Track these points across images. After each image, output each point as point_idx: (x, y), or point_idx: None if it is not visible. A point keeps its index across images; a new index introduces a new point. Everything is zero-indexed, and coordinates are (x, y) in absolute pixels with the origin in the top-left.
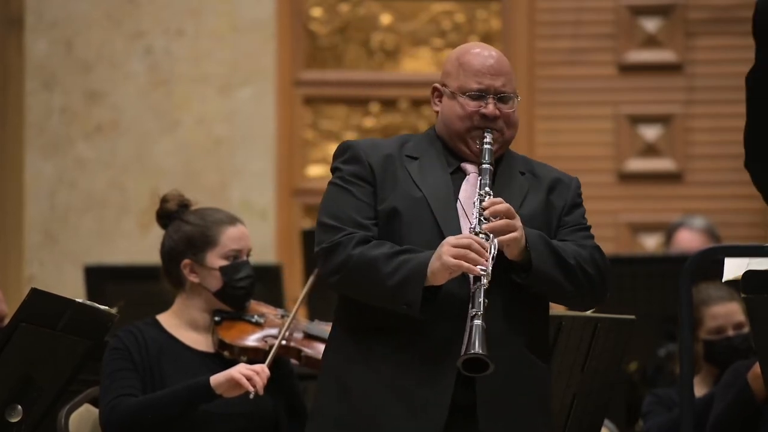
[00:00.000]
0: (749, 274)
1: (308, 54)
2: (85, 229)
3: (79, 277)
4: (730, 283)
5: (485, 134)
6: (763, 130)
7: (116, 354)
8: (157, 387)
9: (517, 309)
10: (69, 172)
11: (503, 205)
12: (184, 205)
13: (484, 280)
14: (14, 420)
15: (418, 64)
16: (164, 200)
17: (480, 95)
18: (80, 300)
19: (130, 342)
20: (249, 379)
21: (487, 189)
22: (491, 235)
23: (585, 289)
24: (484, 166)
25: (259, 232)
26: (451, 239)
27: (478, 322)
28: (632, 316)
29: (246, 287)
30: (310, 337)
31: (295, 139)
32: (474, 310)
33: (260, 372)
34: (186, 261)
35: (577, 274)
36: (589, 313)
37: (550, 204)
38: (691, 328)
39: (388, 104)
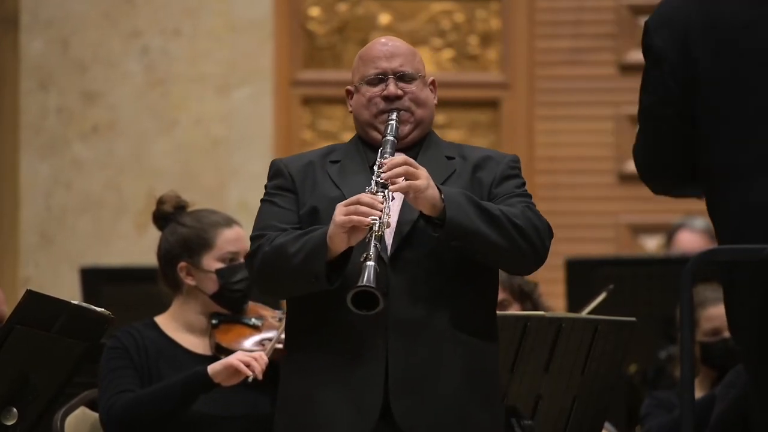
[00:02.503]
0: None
1: (306, 54)
2: (81, 231)
3: (75, 279)
4: None
5: (391, 113)
6: (656, 150)
7: (115, 353)
8: None
9: (441, 286)
10: (65, 173)
11: (399, 157)
12: (180, 206)
13: (376, 227)
14: (10, 423)
15: None
16: (160, 202)
17: (380, 79)
18: (76, 302)
19: (128, 342)
20: (247, 365)
21: (386, 156)
22: (386, 190)
23: (516, 240)
24: (386, 138)
25: None
26: (343, 201)
27: (369, 263)
28: (633, 318)
29: (242, 290)
30: None
31: (293, 139)
32: (365, 254)
33: (258, 358)
34: (182, 264)
35: (506, 225)
36: (588, 314)
37: (478, 182)
38: (691, 330)
39: None
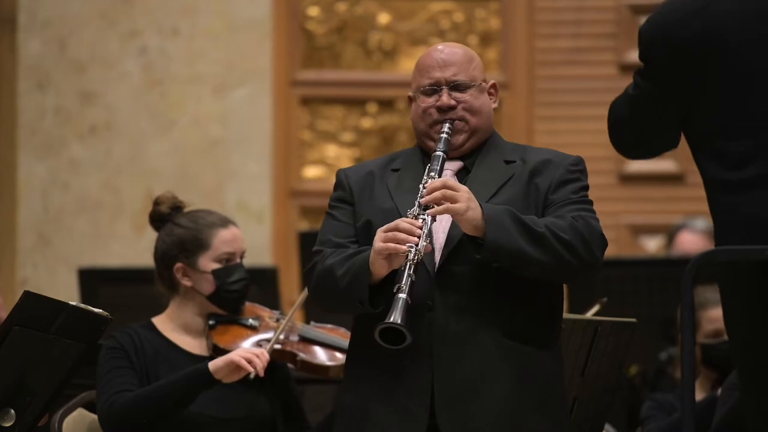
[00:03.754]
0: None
1: (305, 54)
2: (78, 232)
3: (72, 280)
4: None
5: (443, 125)
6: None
7: (113, 353)
8: None
9: (489, 297)
10: (62, 174)
11: (439, 181)
12: (176, 207)
13: (411, 256)
14: (7, 425)
15: None
16: (157, 203)
17: (434, 89)
18: (74, 303)
19: (126, 342)
20: (249, 361)
21: (432, 174)
22: (425, 214)
23: (562, 256)
24: (435, 153)
25: (255, 234)
26: (382, 227)
27: (401, 295)
28: (633, 320)
29: (239, 290)
30: (305, 340)
31: (292, 140)
32: (397, 284)
33: (260, 355)
34: (178, 265)
35: (550, 243)
36: (589, 316)
37: (534, 187)
38: (692, 332)
39: (386, 104)
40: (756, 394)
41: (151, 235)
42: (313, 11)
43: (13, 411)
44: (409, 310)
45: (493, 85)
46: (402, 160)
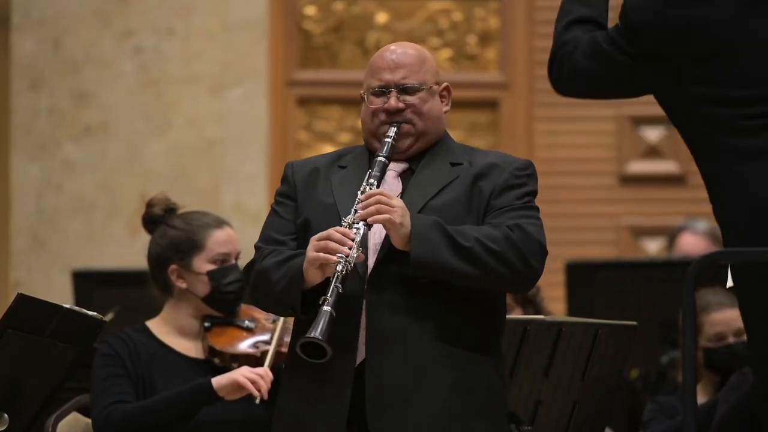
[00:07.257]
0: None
1: (302, 53)
2: (73, 233)
3: (67, 282)
4: (731, 289)
5: (390, 128)
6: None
7: (108, 360)
8: (148, 395)
9: (425, 302)
10: (56, 175)
11: (375, 191)
12: (170, 209)
13: (340, 267)
14: (1, 428)
15: None
16: (150, 204)
17: (382, 91)
18: (68, 306)
19: (120, 348)
20: (253, 382)
21: (371, 181)
22: (360, 223)
23: (493, 268)
24: (378, 158)
25: (252, 236)
26: (316, 235)
27: (326, 308)
28: (634, 322)
29: (235, 291)
30: None
31: (289, 140)
32: (324, 297)
33: (264, 376)
34: (173, 266)
35: (478, 255)
36: (589, 318)
37: (478, 190)
38: (693, 335)
39: None
40: None
41: (146, 237)
42: (310, 10)
43: (6, 415)
44: (333, 323)
45: (446, 88)
46: (350, 158)
